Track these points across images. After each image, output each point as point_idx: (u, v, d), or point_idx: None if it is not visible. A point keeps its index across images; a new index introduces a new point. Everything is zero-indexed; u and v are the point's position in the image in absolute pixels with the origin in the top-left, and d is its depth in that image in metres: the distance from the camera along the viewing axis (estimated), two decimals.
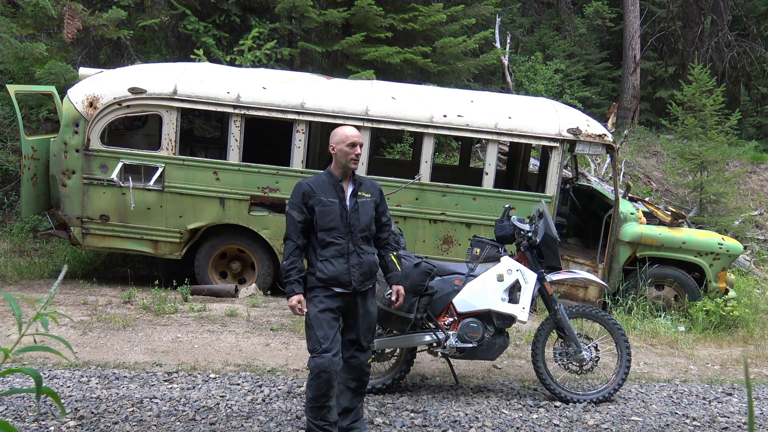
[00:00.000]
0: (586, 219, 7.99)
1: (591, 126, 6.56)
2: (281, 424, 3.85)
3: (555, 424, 4.15)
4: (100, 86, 6.21)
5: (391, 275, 3.71)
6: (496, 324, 4.32)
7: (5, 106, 8.86)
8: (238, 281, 6.77)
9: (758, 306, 7.50)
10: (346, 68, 10.04)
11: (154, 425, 3.73)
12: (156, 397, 4.08)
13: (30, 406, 3.83)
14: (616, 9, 16.53)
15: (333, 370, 3.35)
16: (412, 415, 4.11)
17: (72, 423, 3.67)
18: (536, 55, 15.10)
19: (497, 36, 13.67)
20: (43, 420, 3.68)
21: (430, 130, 6.38)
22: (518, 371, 5.11)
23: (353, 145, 3.46)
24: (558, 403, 4.46)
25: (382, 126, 6.46)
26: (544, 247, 4.36)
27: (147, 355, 4.80)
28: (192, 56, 8.67)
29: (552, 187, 6.45)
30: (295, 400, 4.20)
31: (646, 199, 9.58)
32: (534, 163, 10.14)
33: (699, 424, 4.37)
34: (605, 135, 6.51)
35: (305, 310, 3.40)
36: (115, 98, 6.13)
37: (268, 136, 7.29)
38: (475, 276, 4.36)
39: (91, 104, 6.13)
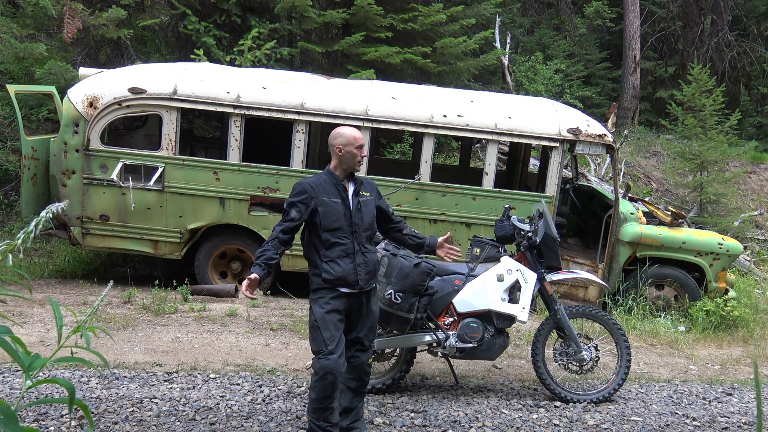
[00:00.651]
0: (586, 219, 7.99)
1: (591, 126, 6.56)
2: (281, 424, 3.85)
3: (555, 424, 4.15)
4: (100, 86, 6.21)
5: (423, 240, 3.82)
6: (496, 324, 4.32)
7: (5, 106, 8.86)
8: (238, 281, 6.77)
9: (758, 306, 7.50)
10: (346, 68, 10.04)
11: (154, 425, 3.73)
12: (156, 397, 4.08)
13: (30, 407, 3.83)
14: (616, 9, 16.53)
15: (339, 371, 3.35)
16: (412, 415, 4.11)
17: (72, 423, 3.67)
18: (536, 55, 15.10)
19: (497, 36, 13.67)
20: (42, 420, 3.68)
21: (430, 130, 6.38)
22: (518, 371, 5.11)
23: (361, 147, 3.48)
24: (558, 403, 4.46)
25: (382, 126, 6.46)
26: (544, 247, 4.36)
27: (147, 355, 4.80)
28: (192, 56, 8.66)
29: (552, 187, 6.45)
30: (295, 400, 4.20)
31: (646, 199, 9.58)
32: (534, 163, 10.14)
33: (699, 424, 4.37)
34: (605, 135, 6.51)
35: (252, 296, 3.33)
36: (115, 98, 6.13)
37: (268, 136, 7.29)
38: (475, 276, 4.36)
39: (91, 104, 6.13)
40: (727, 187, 10.76)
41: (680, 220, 7.08)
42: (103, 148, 6.20)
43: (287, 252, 6.39)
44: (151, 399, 4.06)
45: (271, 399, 4.19)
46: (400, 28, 10.15)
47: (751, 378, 5.45)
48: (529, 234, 4.39)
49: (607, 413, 4.39)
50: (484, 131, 6.45)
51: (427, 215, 6.42)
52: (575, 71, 15.50)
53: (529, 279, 4.33)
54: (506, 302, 4.29)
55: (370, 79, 8.65)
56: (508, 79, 13.46)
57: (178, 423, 3.78)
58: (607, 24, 16.73)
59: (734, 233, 10.12)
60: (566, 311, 4.47)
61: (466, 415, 4.18)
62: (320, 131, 7.79)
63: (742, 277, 8.83)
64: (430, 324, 4.29)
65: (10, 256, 1.44)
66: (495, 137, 6.44)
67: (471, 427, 4.02)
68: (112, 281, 2.00)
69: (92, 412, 3.83)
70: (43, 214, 1.45)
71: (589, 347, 4.50)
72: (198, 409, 3.96)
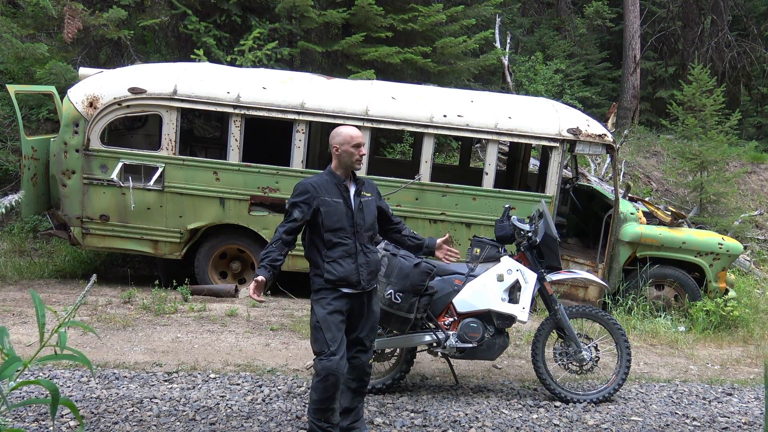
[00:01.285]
0: (586, 219, 7.99)
1: (591, 126, 6.56)
2: (281, 424, 3.85)
3: (555, 424, 4.15)
4: (100, 86, 6.21)
5: (422, 241, 3.85)
6: (496, 324, 4.32)
7: (5, 106, 8.86)
8: (238, 281, 6.77)
9: (758, 306, 7.50)
10: (346, 68, 10.04)
11: (154, 425, 3.73)
12: (156, 397, 4.08)
13: (30, 407, 3.83)
14: (616, 9, 16.53)
15: (341, 373, 3.34)
16: (412, 415, 4.11)
17: (72, 423, 3.67)
18: (536, 55, 15.10)
19: (497, 36, 13.67)
20: (42, 420, 3.68)
21: (430, 130, 6.38)
22: (518, 371, 5.11)
23: (358, 145, 3.45)
24: (558, 403, 4.46)
25: (382, 126, 6.46)
26: (544, 247, 4.36)
27: (147, 355, 4.80)
28: (192, 56, 8.66)
29: (552, 187, 6.45)
30: (295, 400, 4.20)
31: (646, 199, 9.58)
32: (534, 163, 10.14)
33: (699, 424, 4.37)
34: (605, 135, 6.51)
35: (260, 299, 3.35)
36: (115, 98, 6.13)
37: (268, 136, 7.29)
38: (475, 276, 4.36)
39: (91, 104, 6.13)
40: (727, 187, 10.76)
41: (680, 220, 7.08)
42: (103, 148, 6.20)
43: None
44: (151, 399, 4.06)
45: (271, 399, 4.19)
46: (400, 28, 10.15)
47: (751, 378, 5.45)
48: (529, 234, 4.39)
49: (607, 413, 4.39)
50: (484, 131, 6.45)
51: (427, 215, 6.42)
52: (575, 71, 15.49)
53: (529, 279, 4.33)
54: (506, 302, 4.29)
55: (370, 79, 8.65)
56: (508, 79, 13.45)
57: (178, 423, 3.78)
58: (607, 24, 16.73)
59: (734, 233, 10.12)
60: (566, 311, 4.47)
61: (466, 415, 4.18)
62: (320, 131, 7.79)
63: (742, 277, 8.83)
64: (430, 324, 4.29)
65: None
66: (495, 137, 6.44)
67: (471, 427, 4.02)
68: (95, 275, 1.98)
69: (92, 413, 3.83)
70: (2, 199, 1.44)
71: (589, 347, 4.50)
72: (198, 409, 3.97)
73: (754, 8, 17.22)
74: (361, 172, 5.88)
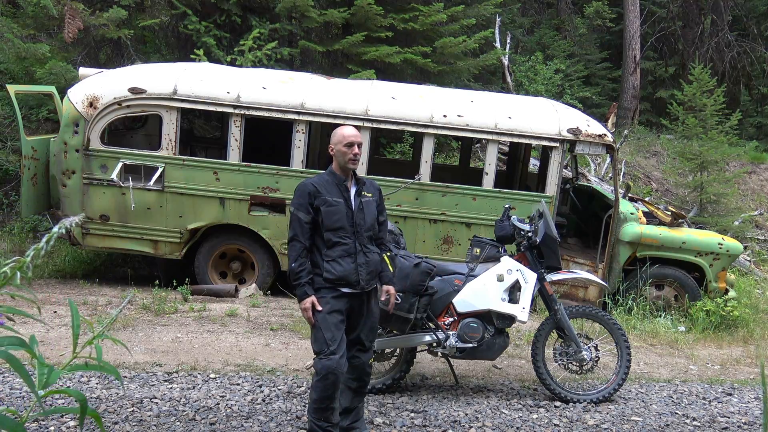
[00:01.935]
0: (586, 219, 7.99)
1: (591, 126, 6.56)
2: (281, 424, 3.85)
3: (555, 424, 4.15)
4: (100, 86, 6.21)
5: (382, 275, 3.65)
6: (496, 324, 4.32)
7: (5, 106, 8.86)
8: (238, 281, 6.77)
9: (758, 306, 7.50)
10: (347, 68, 10.04)
11: (154, 425, 3.73)
12: (156, 397, 4.08)
13: (29, 406, 3.83)
14: (616, 9, 16.53)
15: (340, 372, 3.35)
16: (412, 415, 4.11)
17: (72, 423, 3.67)
18: (536, 55, 15.10)
19: (497, 36, 13.68)
20: (43, 420, 3.68)
21: (430, 130, 6.38)
22: (518, 371, 5.11)
23: (350, 144, 3.43)
24: (558, 403, 4.46)
25: (382, 126, 6.46)
26: (544, 247, 4.36)
27: (147, 355, 4.80)
28: (192, 56, 8.67)
29: (552, 187, 6.45)
30: (295, 400, 4.20)
31: (646, 199, 9.58)
32: (534, 163, 10.14)
33: (699, 424, 4.37)
34: (605, 135, 6.51)
35: (319, 308, 3.37)
36: (115, 98, 6.13)
37: (268, 136, 7.29)
38: (475, 276, 4.36)
39: (91, 104, 6.13)
40: (727, 187, 10.76)
41: (680, 220, 7.08)
42: (103, 148, 6.20)
43: (286, 252, 6.41)
44: (151, 399, 4.06)
45: (271, 399, 4.19)
46: (401, 27, 10.16)
47: (751, 378, 5.45)
48: (529, 234, 4.39)
49: (607, 413, 4.39)
50: (484, 131, 6.45)
51: (427, 215, 6.42)
52: (575, 71, 15.50)
53: (529, 279, 4.33)
54: (506, 302, 4.29)
55: (370, 79, 8.65)
56: (508, 79, 13.46)
57: (178, 423, 3.78)
58: (607, 24, 16.73)
59: (734, 233, 10.12)
60: (566, 311, 4.47)
61: (466, 415, 4.18)
62: (320, 131, 7.79)
63: (742, 277, 8.83)
64: (430, 324, 4.29)
65: (18, 274, 1.41)
66: (495, 137, 6.44)
67: (471, 427, 4.02)
68: (131, 293, 1.97)
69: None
70: (55, 229, 1.43)
71: (589, 347, 4.49)
72: (198, 409, 3.97)
73: (754, 8, 17.22)
74: (361, 172, 5.88)
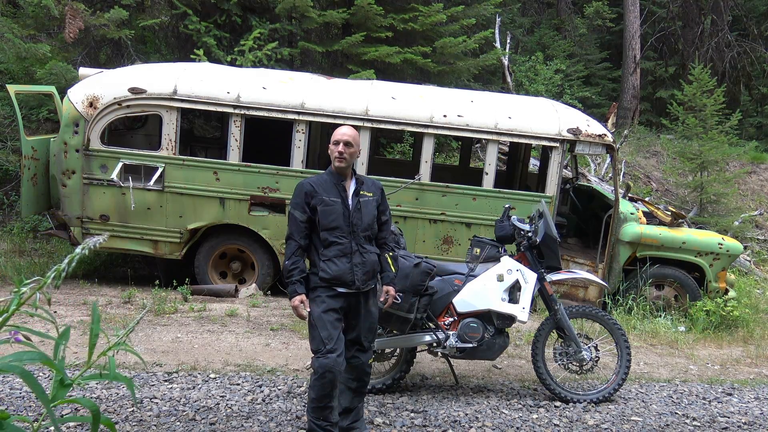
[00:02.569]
0: (586, 219, 7.99)
1: (591, 126, 6.56)
2: (281, 424, 3.85)
3: (555, 424, 4.15)
4: (100, 86, 6.21)
5: (383, 275, 3.65)
6: (496, 324, 4.32)
7: (5, 106, 8.86)
8: (238, 281, 6.77)
9: (758, 306, 7.50)
10: (346, 68, 10.04)
11: (154, 425, 3.73)
12: (156, 397, 4.08)
13: (30, 406, 3.84)
14: (616, 9, 16.53)
15: (337, 370, 3.35)
16: (412, 415, 4.11)
17: (72, 423, 3.67)
18: (536, 55, 15.10)
19: (497, 36, 13.68)
20: (43, 420, 3.67)
21: (430, 130, 6.38)
22: (518, 371, 5.11)
23: (336, 142, 3.44)
24: (558, 403, 4.46)
25: (382, 126, 6.46)
26: (544, 247, 4.36)
27: (147, 355, 4.80)
28: (192, 56, 8.66)
29: (552, 187, 6.45)
30: (295, 400, 4.20)
31: (646, 199, 9.58)
32: (534, 163, 10.14)
33: (699, 424, 4.37)
34: (605, 135, 6.51)
35: (308, 310, 3.39)
36: (115, 98, 6.13)
37: (268, 136, 7.29)
38: (475, 276, 4.36)
39: (91, 104, 6.13)
40: (728, 187, 10.76)
41: (680, 220, 7.08)
42: (103, 148, 6.20)
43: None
44: (151, 399, 4.06)
45: (271, 399, 4.19)
46: (400, 28, 10.16)
47: (751, 378, 5.45)
48: (529, 234, 4.39)
49: (607, 413, 4.39)
50: (484, 131, 6.45)
51: (427, 215, 6.42)
52: (575, 71, 15.50)
53: (529, 279, 4.33)
54: (506, 302, 4.29)
55: (370, 79, 8.65)
56: (508, 79, 13.46)
57: (178, 423, 3.78)
58: (607, 24, 16.74)
59: (734, 233, 10.12)
60: (566, 311, 4.47)
61: (466, 415, 4.18)
62: (320, 131, 7.79)
63: (742, 277, 8.83)
64: (430, 324, 4.29)
65: (38, 295, 1.39)
66: (495, 137, 6.44)
67: (471, 427, 4.02)
68: (148, 306, 1.94)
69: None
70: (78, 250, 1.42)
71: (589, 347, 4.49)
72: (198, 409, 3.97)
73: (754, 8, 17.23)
74: (361, 172, 5.89)
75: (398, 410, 4.16)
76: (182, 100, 6.18)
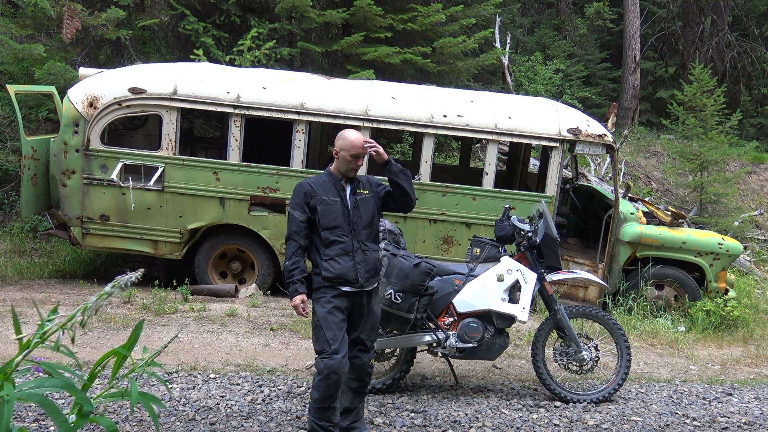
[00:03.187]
0: (586, 219, 7.99)
1: (591, 126, 6.56)
2: (281, 424, 3.85)
3: (555, 424, 4.15)
4: (100, 86, 6.21)
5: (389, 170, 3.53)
6: (496, 324, 4.32)
7: (5, 106, 8.86)
8: (238, 281, 6.77)
9: (758, 306, 7.50)
10: (346, 68, 10.04)
11: (154, 425, 3.73)
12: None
13: (30, 406, 3.83)
14: (617, 9, 16.53)
15: (342, 371, 3.35)
16: (412, 415, 4.11)
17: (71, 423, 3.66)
18: (536, 55, 15.10)
19: (497, 36, 13.67)
20: (42, 420, 3.68)
21: (430, 130, 6.38)
22: (518, 371, 5.11)
23: (357, 156, 3.47)
24: (558, 403, 4.46)
25: (382, 126, 6.45)
26: (544, 247, 4.36)
27: (147, 355, 4.79)
28: (192, 56, 8.66)
29: (552, 187, 6.45)
30: (295, 400, 4.20)
31: (646, 199, 9.58)
32: (534, 163, 10.14)
33: (699, 424, 4.36)
34: (605, 135, 6.51)
35: (309, 310, 3.39)
36: (115, 98, 6.13)
37: (268, 136, 7.29)
38: (475, 276, 4.36)
39: (91, 104, 6.13)
40: (728, 187, 10.76)
41: (680, 220, 7.08)
42: (103, 148, 6.20)
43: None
44: None
45: (271, 399, 4.19)
46: (400, 28, 10.16)
47: (751, 378, 5.44)
48: (529, 234, 4.39)
49: (607, 413, 4.39)
50: (484, 131, 6.44)
51: (427, 215, 6.42)
52: (575, 71, 15.50)
53: (529, 279, 4.33)
54: (506, 302, 4.29)
55: (369, 79, 8.65)
56: (508, 79, 13.45)
57: (178, 423, 3.78)
58: (607, 24, 16.74)
59: (734, 233, 10.12)
60: (566, 311, 4.47)
61: (466, 415, 4.18)
62: (320, 131, 7.79)
63: (742, 277, 8.83)
64: (430, 324, 4.29)
65: (61, 333, 1.36)
66: (495, 137, 6.44)
67: (471, 427, 4.02)
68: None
69: (92, 413, 3.82)
70: (108, 288, 1.40)
71: (589, 347, 4.49)
72: (198, 409, 3.96)
73: (755, 8, 17.22)
74: (361, 172, 5.88)
75: (398, 410, 4.16)
76: (182, 100, 6.18)
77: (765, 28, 16.89)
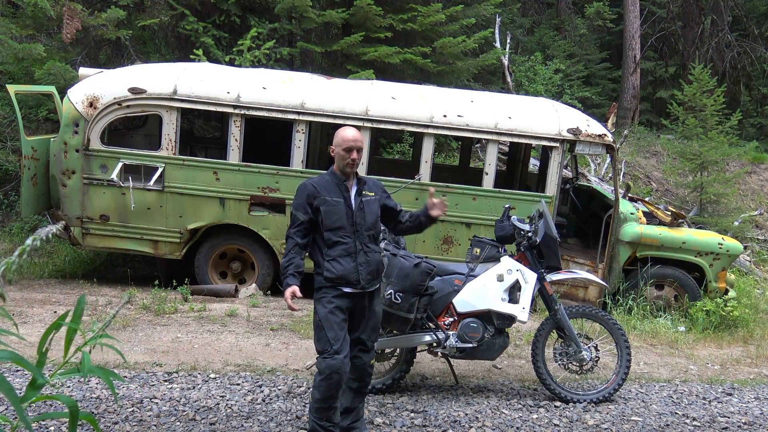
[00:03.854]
0: (586, 219, 7.99)
1: (591, 126, 6.56)
2: (281, 424, 3.85)
3: (555, 424, 4.15)
4: (100, 86, 6.21)
5: (418, 215, 3.77)
6: (496, 324, 4.32)
7: (5, 106, 8.86)
8: (238, 281, 6.77)
9: (758, 306, 7.50)
10: (346, 68, 10.04)
11: (154, 425, 3.73)
12: (156, 397, 4.08)
13: (31, 407, 3.83)
14: (617, 9, 16.53)
15: (344, 371, 3.34)
16: (412, 415, 4.11)
17: (64, 420, 3.66)
18: (536, 55, 15.10)
19: (497, 36, 13.67)
20: (42, 420, 3.68)
21: (430, 130, 6.38)
22: (518, 371, 5.11)
23: (349, 150, 3.42)
24: (558, 403, 4.46)
25: (382, 126, 6.45)
26: (544, 247, 4.36)
27: (147, 355, 4.80)
28: (192, 56, 8.66)
29: (552, 187, 6.45)
30: (295, 400, 4.20)
31: (646, 199, 9.58)
32: (534, 163, 10.14)
33: (699, 424, 4.37)
34: (605, 135, 6.51)
35: (297, 307, 3.36)
36: (115, 98, 6.13)
37: (268, 136, 7.29)
38: (475, 276, 4.35)
39: (91, 104, 6.13)
40: (728, 187, 10.76)
41: (680, 220, 7.08)
42: (103, 148, 6.20)
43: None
44: (151, 399, 4.06)
45: (271, 399, 4.19)
46: (400, 28, 10.16)
47: (751, 378, 5.44)
48: (529, 234, 4.39)
49: (607, 413, 4.39)
50: (484, 131, 6.45)
51: None
52: (575, 71, 15.50)
53: (529, 279, 4.33)
54: (506, 302, 4.29)
55: (369, 79, 8.65)
56: (508, 79, 13.45)
57: (178, 423, 3.78)
58: (607, 24, 16.74)
59: (734, 233, 10.12)
60: (566, 311, 4.47)
61: (466, 415, 4.18)
62: (320, 131, 7.78)
63: (742, 277, 8.83)
64: (430, 324, 4.29)
65: None
66: (495, 137, 6.44)
67: (471, 427, 4.02)
68: (127, 295, 1.92)
69: (92, 412, 3.83)
70: (28, 241, 1.41)
71: (589, 347, 4.49)
72: (198, 409, 3.96)
73: (755, 8, 17.22)
74: (361, 173, 5.88)
75: (398, 410, 4.16)
76: (182, 100, 6.18)
77: (765, 28, 16.89)
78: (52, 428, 3.61)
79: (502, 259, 4.39)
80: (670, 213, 7.20)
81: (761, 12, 17.21)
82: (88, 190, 6.22)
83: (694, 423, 4.37)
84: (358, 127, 5.95)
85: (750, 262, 9.73)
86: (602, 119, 11.50)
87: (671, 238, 6.72)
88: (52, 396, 1.47)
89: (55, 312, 5.52)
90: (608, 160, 11.81)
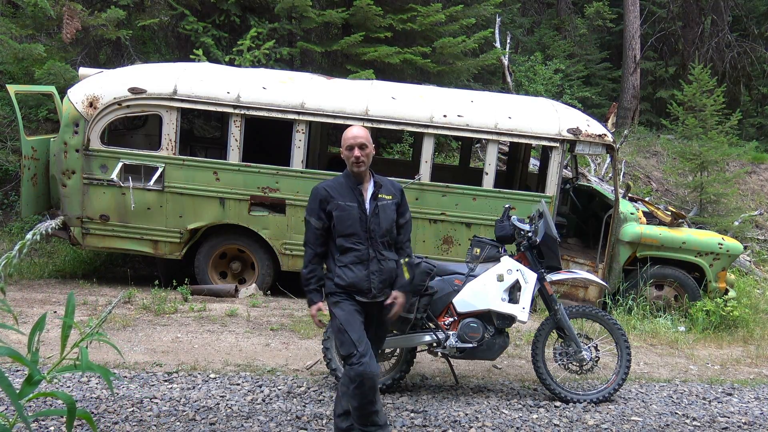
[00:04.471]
0: (586, 219, 7.99)
1: (591, 126, 6.56)
2: (281, 424, 3.85)
3: (555, 424, 4.15)
4: (100, 86, 6.21)
5: (396, 280, 3.48)
6: (496, 324, 4.31)
7: (5, 106, 8.86)
8: (238, 281, 6.77)
9: (758, 306, 7.50)
10: (346, 68, 10.03)
11: (154, 425, 3.73)
12: (156, 397, 4.08)
13: (30, 406, 3.83)
14: (617, 9, 16.54)
15: (375, 373, 3.25)
16: (412, 415, 4.11)
17: (62, 417, 3.66)
18: (536, 55, 15.10)
19: (497, 36, 13.67)
20: (42, 419, 3.68)
21: (430, 130, 6.38)
22: (518, 371, 5.11)
23: (350, 147, 3.32)
24: (558, 403, 4.46)
25: (382, 126, 6.46)
26: (544, 247, 4.35)
27: (147, 355, 4.80)
28: (192, 56, 8.66)
29: (552, 187, 6.45)
30: (295, 400, 4.20)
31: (646, 199, 9.58)
32: (534, 163, 10.14)
33: (699, 424, 4.37)
34: (605, 135, 6.51)
35: (324, 323, 3.32)
36: (115, 98, 6.13)
37: (268, 136, 7.29)
38: (475, 276, 4.35)
39: (91, 104, 6.13)
40: (728, 187, 10.76)
41: (680, 220, 7.08)
42: (103, 148, 6.20)
43: (286, 252, 6.41)
44: (151, 399, 4.06)
45: (271, 399, 4.19)
46: (400, 28, 10.15)
47: (751, 378, 5.44)
48: (529, 234, 4.39)
49: (607, 413, 4.39)
50: (484, 131, 6.45)
51: (427, 215, 6.42)
52: (575, 71, 15.50)
53: (529, 279, 4.33)
54: (506, 302, 4.29)
55: (369, 79, 8.65)
56: (508, 79, 13.45)
57: (178, 423, 3.78)
58: (607, 24, 16.74)
59: (734, 233, 10.12)
60: (566, 311, 4.47)
61: (466, 415, 4.18)
62: (320, 131, 7.78)
63: (742, 277, 8.83)
64: (430, 324, 4.29)
65: None
66: (495, 137, 6.44)
67: (471, 427, 4.02)
68: (121, 294, 1.93)
69: (92, 412, 3.83)
70: (28, 236, 1.41)
71: (589, 347, 4.49)
72: (198, 409, 3.96)
73: (755, 8, 17.23)
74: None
75: (398, 410, 4.16)
76: (182, 100, 6.18)
77: (765, 28, 16.89)
78: (52, 428, 3.61)
79: (502, 259, 4.39)
80: (670, 213, 7.20)
81: (761, 12, 17.22)
82: (88, 190, 6.22)
83: (694, 423, 4.37)
84: None
85: (750, 262, 9.73)
86: (602, 119, 11.50)
87: (671, 238, 6.72)
88: (50, 393, 1.47)
89: (55, 312, 5.52)
90: (608, 160, 11.81)
